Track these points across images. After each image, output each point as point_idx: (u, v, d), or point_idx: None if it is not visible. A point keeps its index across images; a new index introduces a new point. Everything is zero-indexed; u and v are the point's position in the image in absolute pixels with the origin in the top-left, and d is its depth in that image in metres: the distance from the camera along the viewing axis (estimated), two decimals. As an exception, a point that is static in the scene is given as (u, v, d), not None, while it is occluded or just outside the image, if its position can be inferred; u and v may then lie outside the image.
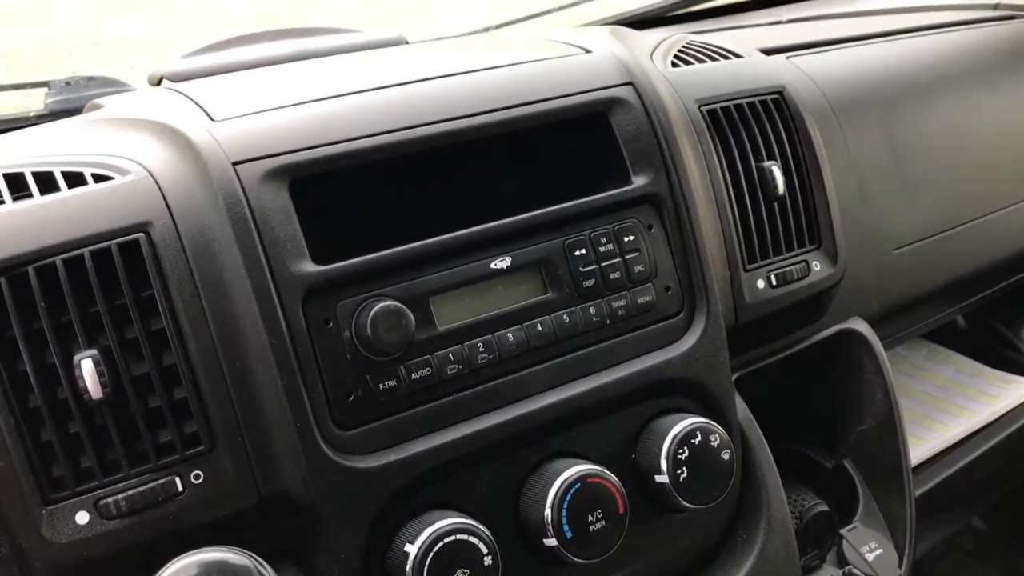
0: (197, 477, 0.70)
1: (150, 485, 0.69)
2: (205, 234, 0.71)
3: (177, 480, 0.70)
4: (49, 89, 1.12)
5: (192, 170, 0.73)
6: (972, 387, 1.42)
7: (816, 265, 0.99)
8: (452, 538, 0.71)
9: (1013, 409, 1.36)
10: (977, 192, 1.25)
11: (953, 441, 1.30)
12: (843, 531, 1.00)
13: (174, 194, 0.72)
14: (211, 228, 0.71)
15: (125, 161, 0.75)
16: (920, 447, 1.27)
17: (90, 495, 0.68)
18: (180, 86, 0.88)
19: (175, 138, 0.75)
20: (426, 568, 0.70)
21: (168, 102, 0.82)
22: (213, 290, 0.71)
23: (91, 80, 1.12)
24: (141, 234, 0.70)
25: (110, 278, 0.69)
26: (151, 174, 0.73)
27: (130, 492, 0.68)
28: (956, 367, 1.48)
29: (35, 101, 1.13)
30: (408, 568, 0.71)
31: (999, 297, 1.45)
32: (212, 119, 0.77)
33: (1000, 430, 1.32)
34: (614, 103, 0.87)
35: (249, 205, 0.71)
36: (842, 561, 0.98)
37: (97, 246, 0.69)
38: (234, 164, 0.72)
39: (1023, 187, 1.31)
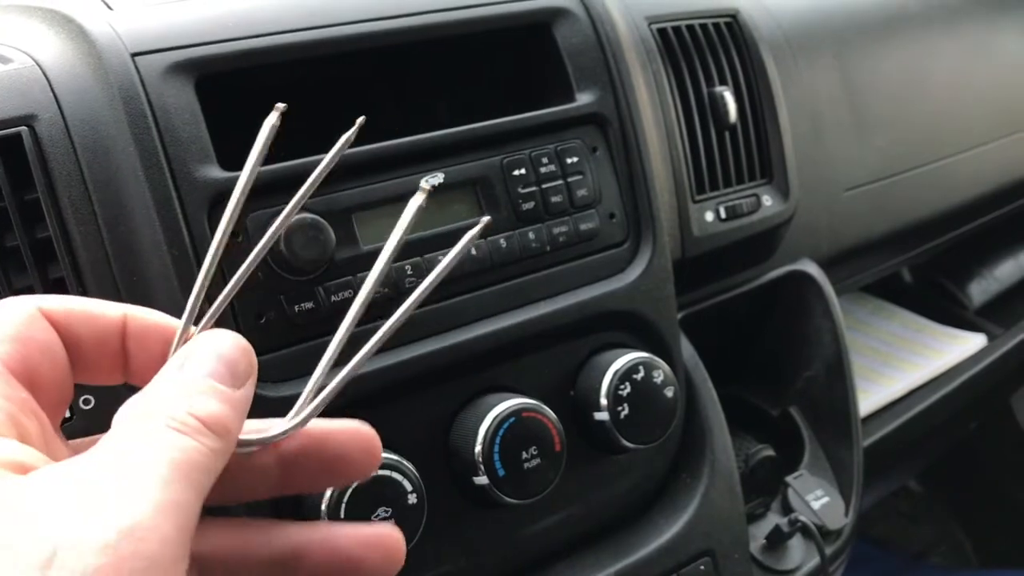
0: (87, 402, 0.63)
1: (32, 411, 0.61)
2: (98, 131, 0.63)
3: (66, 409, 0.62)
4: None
5: (85, 61, 0.65)
6: (917, 342, 1.40)
7: (767, 200, 0.94)
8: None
9: (958, 364, 1.34)
10: (930, 137, 1.22)
11: (898, 395, 1.28)
12: (789, 478, 0.95)
13: (64, 87, 0.64)
14: (105, 125, 0.63)
15: (9, 49, 0.66)
16: (865, 400, 1.24)
17: (-38, 421, 0.60)
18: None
19: (67, 26, 0.67)
20: (344, 505, 0.64)
21: (62, -9, 0.74)
22: (106, 194, 0.63)
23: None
24: (24, 127, 0.62)
25: (-12, 178, 0.61)
26: (38, 64, 0.65)
27: (9, 418, 0.61)
28: (901, 322, 1.45)
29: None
30: (324, 505, 0.64)
31: (944, 251, 1.43)
32: (110, 8, 0.69)
33: (944, 384, 1.30)
34: (559, 13, 0.80)
35: (149, 101, 0.64)
36: (787, 509, 0.93)
37: (-29, 140, 0.61)
38: (133, 55, 0.64)
39: (975, 136, 1.28)
